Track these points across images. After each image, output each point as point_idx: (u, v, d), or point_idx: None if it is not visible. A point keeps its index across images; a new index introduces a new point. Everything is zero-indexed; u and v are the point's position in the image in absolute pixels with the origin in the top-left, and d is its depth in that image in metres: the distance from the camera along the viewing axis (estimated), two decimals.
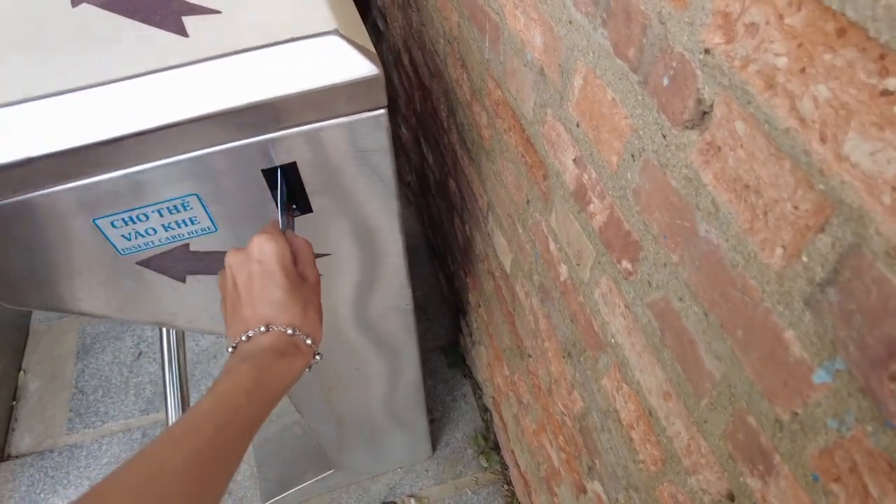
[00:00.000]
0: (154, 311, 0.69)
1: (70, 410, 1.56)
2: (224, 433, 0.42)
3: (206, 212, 0.59)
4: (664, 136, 0.42)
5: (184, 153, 0.53)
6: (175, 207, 0.57)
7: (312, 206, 0.63)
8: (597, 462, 0.75)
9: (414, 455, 1.41)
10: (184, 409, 0.88)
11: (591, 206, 0.57)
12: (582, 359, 0.70)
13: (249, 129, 0.53)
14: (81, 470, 1.46)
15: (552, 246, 0.71)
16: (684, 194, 0.42)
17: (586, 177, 0.57)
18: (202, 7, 0.56)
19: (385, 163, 0.62)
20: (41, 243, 0.56)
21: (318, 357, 0.51)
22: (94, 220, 0.56)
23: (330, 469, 1.31)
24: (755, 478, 0.42)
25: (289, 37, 0.52)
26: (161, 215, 0.58)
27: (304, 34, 0.52)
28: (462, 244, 1.26)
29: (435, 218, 1.54)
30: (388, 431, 1.25)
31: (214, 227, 0.61)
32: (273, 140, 0.55)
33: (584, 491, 0.84)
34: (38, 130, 0.48)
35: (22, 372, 1.63)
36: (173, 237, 0.60)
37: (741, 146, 0.35)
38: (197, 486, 0.39)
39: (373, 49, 0.54)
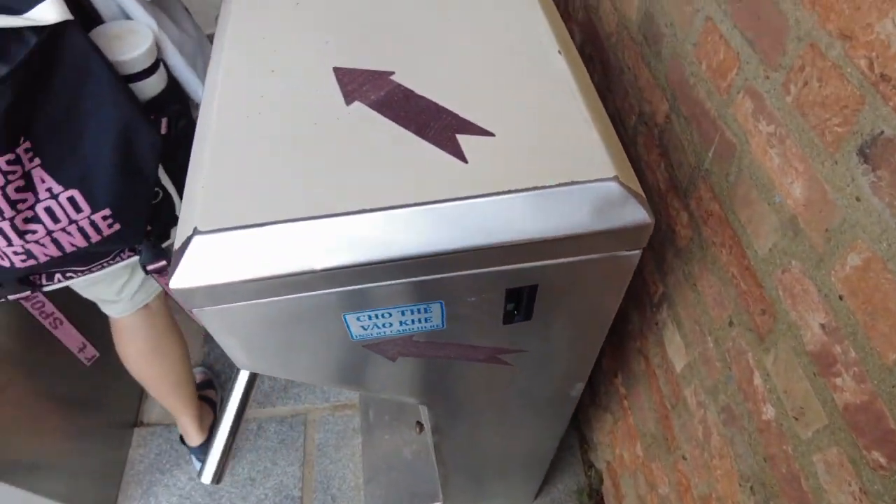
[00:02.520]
0: (356, 379, 0.73)
1: None
2: None
3: (443, 315, 0.61)
4: None
5: (447, 272, 0.55)
6: (418, 310, 0.60)
7: (533, 316, 0.64)
8: None
9: (516, 498, 1.43)
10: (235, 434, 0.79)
11: (839, 380, 0.55)
12: (772, 503, 0.68)
13: (515, 258, 0.54)
14: None
15: (758, 382, 0.69)
16: None
17: (838, 350, 0.55)
18: (475, 126, 0.57)
19: (618, 291, 0.62)
20: (293, 328, 0.59)
21: None
22: (343, 315, 0.59)
23: (437, 501, 1.34)
24: None
25: (569, 179, 0.52)
26: (402, 314, 0.60)
27: (585, 178, 0.52)
28: None
29: None
30: (505, 475, 1.27)
31: (443, 325, 0.63)
32: (528, 268, 0.56)
33: None
34: (328, 244, 0.51)
35: None
36: (404, 330, 0.63)
37: None
38: None
39: (643, 194, 0.54)
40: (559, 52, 0.64)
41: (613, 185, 0.52)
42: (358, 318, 0.59)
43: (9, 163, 0.62)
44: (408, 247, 0.51)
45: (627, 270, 0.59)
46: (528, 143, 0.55)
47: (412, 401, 0.81)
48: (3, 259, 0.69)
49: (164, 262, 0.81)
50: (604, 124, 0.58)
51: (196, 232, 0.51)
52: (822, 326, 0.57)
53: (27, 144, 0.63)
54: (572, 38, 1.33)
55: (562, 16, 1.40)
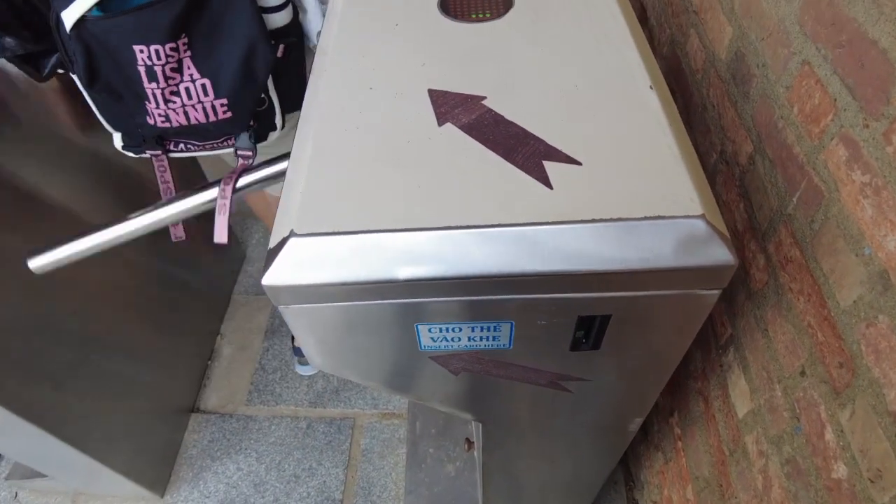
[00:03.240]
0: (417, 389, 0.75)
1: (251, 383, 1.73)
2: None
3: (511, 335, 0.62)
4: None
5: (523, 294, 0.56)
6: (488, 328, 0.61)
7: (601, 346, 0.64)
8: None
9: None
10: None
11: None
12: None
13: (592, 286, 0.55)
14: (252, 442, 1.62)
15: (829, 437, 0.67)
16: None
17: None
18: (562, 153, 0.58)
19: (691, 330, 0.61)
20: (366, 333, 0.62)
21: None
22: (416, 325, 0.61)
23: None
24: None
25: (655, 213, 0.52)
26: (472, 331, 0.62)
27: (671, 214, 0.52)
28: None
29: None
30: (546, 502, 1.25)
31: (510, 345, 0.64)
32: (604, 298, 0.56)
33: None
34: (411, 256, 0.53)
35: (220, 336, 1.83)
36: (471, 346, 0.64)
37: None
38: None
39: (728, 234, 0.54)
40: (651, 87, 0.65)
41: (699, 223, 0.52)
42: (429, 330, 0.61)
43: (171, 49, 0.86)
44: (487, 266, 0.53)
45: (703, 310, 0.58)
46: (615, 174, 0.56)
47: (467, 416, 0.82)
48: (150, 117, 0.94)
49: (251, 152, 1.04)
50: (692, 161, 0.58)
51: (292, 234, 0.54)
52: None
53: (185, 39, 0.87)
54: None
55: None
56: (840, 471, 0.65)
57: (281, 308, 0.58)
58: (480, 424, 0.84)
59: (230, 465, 1.58)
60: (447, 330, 0.61)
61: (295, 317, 0.59)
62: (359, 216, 0.55)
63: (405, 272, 0.54)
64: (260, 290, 1.95)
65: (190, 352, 1.73)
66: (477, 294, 0.56)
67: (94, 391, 1.33)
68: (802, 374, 0.72)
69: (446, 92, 0.66)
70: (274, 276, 0.54)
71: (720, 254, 0.52)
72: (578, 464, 1.00)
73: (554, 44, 0.72)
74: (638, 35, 0.73)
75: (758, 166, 0.83)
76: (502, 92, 0.66)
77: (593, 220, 0.53)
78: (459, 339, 0.63)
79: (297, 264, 0.54)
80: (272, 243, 0.56)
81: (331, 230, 0.54)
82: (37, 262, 0.92)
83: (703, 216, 0.52)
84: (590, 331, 0.61)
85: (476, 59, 0.70)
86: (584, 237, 0.52)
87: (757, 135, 0.84)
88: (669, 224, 0.52)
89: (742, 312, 0.88)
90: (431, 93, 0.66)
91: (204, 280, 1.80)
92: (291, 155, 0.64)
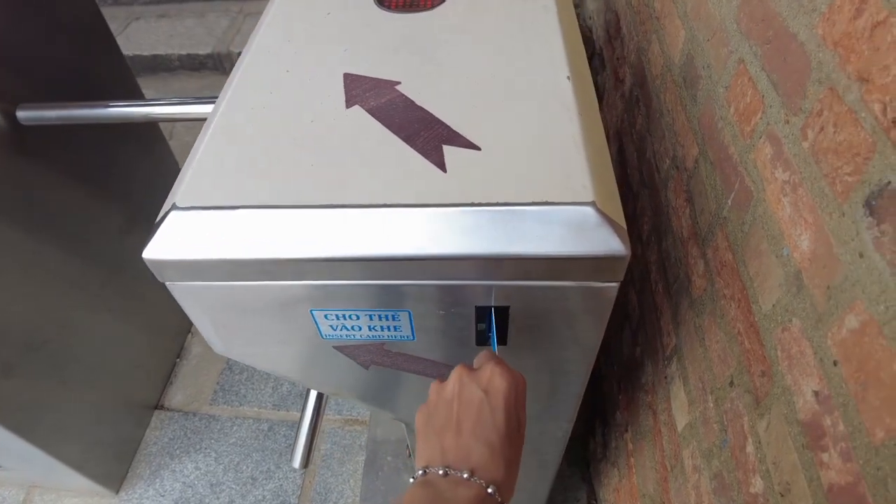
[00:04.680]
0: (330, 381, 0.72)
1: (217, 383, 1.71)
2: None
3: (411, 326, 0.60)
4: None
5: (414, 280, 0.54)
6: (385, 317, 0.59)
7: (507, 341, 0.62)
8: None
9: None
10: (318, 416, 0.87)
11: (825, 455, 0.50)
12: None
13: (482, 273, 0.53)
14: (213, 442, 1.59)
15: (750, 449, 0.63)
16: None
17: (828, 422, 0.49)
18: (463, 138, 0.57)
19: (597, 325, 0.59)
20: (263, 316, 0.60)
21: None
22: (311, 310, 0.58)
23: None
24: None
25: (544, 199, 0.50)
26: (370, 319, 0.59)
27: (560, 200, 0.50)
28: (626, 358, 1.19)
29: None
30: None
31: (413, 336, 0.61)
32: (498, 286, 0.54)
33: None
34: (298, 235, 0.52)
35: (191, 334, 1.82)
36: (374, 336, 0.62)
37: None
38: None
39: (624, 225, 0.51)
40: (568, 77, 0.63)
41: (589, 211, 0.50)
42: (326, 316, 0.59)
43: None
44: (372, 247, 0.51)
45: (604, 305, 0.56)
46: (513, 160, 0.54)
47: (389, 415, 0.79)
48: None
49: None
50: (597, 151, 0.56)
51: (174, 207, 0.53)
52: (815, 394, 0.52)
53: None
54: (623, 81, 1.31)
55: (616, 59, 1.38)
56: (757, 485, 0.61)
57: (168, 285, 0.57)
58: (405, 425, 0.82)
59: (188, 464, 1.55)
60: (345, 317, 0.59)
61: (181, 294, 0.57)
62: (246, 192, 0.53)
63: (287, 251, 0.52)
64: None
65: (160, 348, 1.71)
66: (367, 278, 0.54)
67: (49, 380, 1.31)
68: (731, 384, 0.69)
69: (361, 76, 0.65)
70: (154, 250, 0.53)
71: (610, 243, 0.50)
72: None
73: (482, 34, 0.70)
74: (570, 28, 0.72)
75: (701, 169, 0.81)
76: (418, 78, 0.64)
77: (480, 204, 0.50)
78: (360, 328, 0.61)
79: (178, 239, 0.53)
80: (158, 217, 0.54)
81: (213, 205, 0.53)
82: (25, 114, 1.03)
83: (593, 203, 0.50)
84: (490, 324, 0.58)
85: (400, 47, 0.69)
86: (471, 221, 0.50)
87: (702, 137, 0.81)
88: (557, 210, 0.50)
89: (684, 321, 0.85)
90: (346, 77, 0.65)
91: None
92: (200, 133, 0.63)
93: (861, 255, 0.46)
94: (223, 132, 0.60)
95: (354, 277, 0.54)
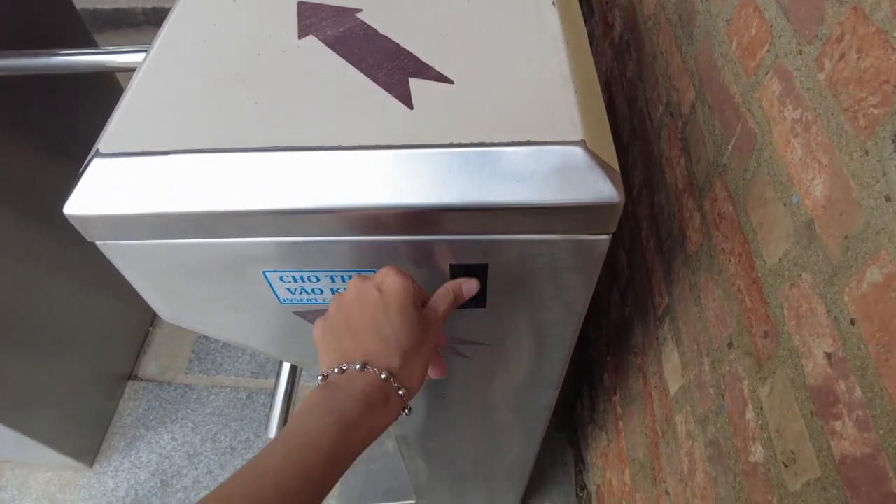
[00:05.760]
0: (295, 350, 0.66)
1: (192, 352, 1.65)
2: (290, 500, 0.37)
3: None
4: None
5: (378, 235, 0.47)
6: (350, 277, 0.52)
7: (487, 303, 0.56)
8: None
9: None
10: (293, 384, 0.84)
11: (839, 424, 0.45)
12: None
13: (452, 226, 0.46)
14: (189, 412, 1.54)
15: (749, 416, 0.58)
16: None
17: (843, 387, 0.44)
18: (433, 70, 0.49)
19: (586, 283, 0.53)
20: (211, 279, 0.53)
21: (406, 412, 0.46)
22: (263, 272, 0.52)
23: (411, 500, 1.27)
24: None
25: (525, 139, 0.43)
26: (332, 281, 0.53)
27: (544, 139, 0.43)
28: (614, 320, 1.14)
29: None
30: (482, 484, 1.18)
31: None
32: (473, 241, 0.47)
33: None
34: (243, 184, 0.45)
35: None
36: None
37: None
38: None
39: (618, 168, 0.45)
40: (553, 3, 0.55)
41: (577, 151, 0.43)
42: (282, 279, 0.52)
43: None
44: (326, 197, 0.44)
45: (594, 260, 0.50)
46: (490, 96, 0.47)
47: None
48: None
49: None
50: (586, 85, 0.49)
51: (97, 154, 0.45)
52: (828, 356, 0.46)
53: None
54: (612, 26, 1.23)
55: (606, 3, 1.29)
56: (757, 453, 0.57)
57: (99, 245, 0.50)
58: None
59: (164, 435, 1.51)
60: (303, 279, 0.53)
61: (114, 255, 0.50)
62: (181, 135, 0.46)
63: (229, 203, 0.45)
64: None
65: (131, 316, 1.64)
66: (327, 234, 0.48)
67: (12, 352, 1.24)
68: (730, 345, 0.64)
69: (318, 4, 0.57)
70: (76, 205, 0.46)
71: (601, 188, 0.43)
72: (501, 442, 0.92)
73: None
74: None
75: (698, 114, 0.74)
76: (383, 6, 0.56)
77: (451, 145, 0.43)
78: (322, 292, 0.54)
79: (103, 190, 0.45)
80: (82, 167, 0.47)
81: (142, 150, 0.45)
82: None
83: (582, 142, 0.43)
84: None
85: None
86: (440, 164, 0.43)
87: (699, 79, 0.74)
88: (541, 151, 0.43)
89: (678, 279, 0.79)
90: (301, 5, 0.57)
91: None
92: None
93: (888, 199, 0.40)
94: (157, 70, 0.52)
95: (312, 234, 0.47)
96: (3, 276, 1.21)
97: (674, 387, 0.80)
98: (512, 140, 0.43)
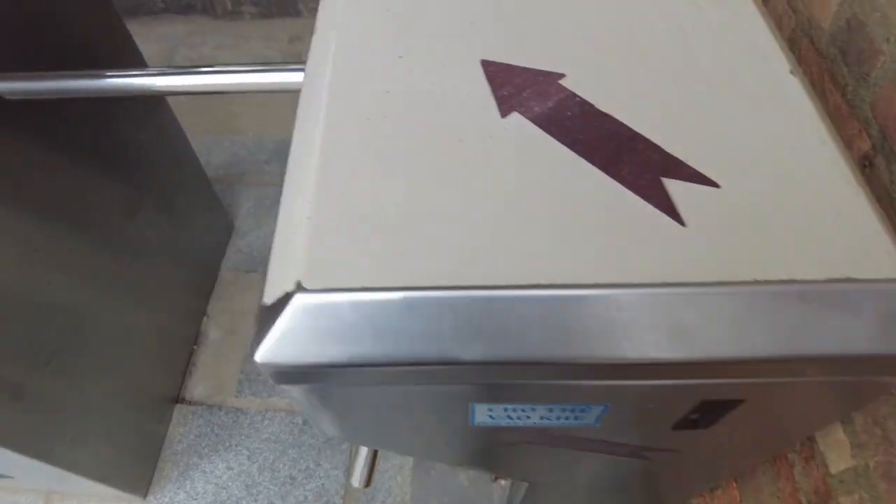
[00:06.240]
0: (452, 457, 0.59)
1: (241, 372, 1.57)
2: None
3: (601, 416, 0.45)
4: None
5: (634, 381, 0.39)
6: (571, 409, 0.44)
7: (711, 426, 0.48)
8: None
9: None
10: None
11: None
12: None
13: (739, 372, 0.38)
14: (243, 438, 1.47)
15: None
16: None
17: None
18: (690, 168, 0.40)
19: (833, 417, 0.45)
20: (401, 413, 0.45)
21: None
22: (472, 404, 0.44)
23: None
24: None
25: (844, 275, 0.35)
26: (550, 411, 0.45)
27: (866, 276, 0.35)
28: None
29: None
30: None
31: (597, 423, 0.47)
32: (748, 383, 0.39)
33: None
34: (471, 328, 0.36)
35: (206, 317, 1.66)
36: (543, 423, 0.48)
37: None
38: None
39: None
40: (791, 72, 0.46)
41: None
42: (489, 409, 0.44)
43: None
44: (583, 347, 0.36)
45: (874, 394, 0.42)
46: (768, 206, 0.38)
47: (505, 479, 0.66)
48: None
49: None
50: (867, 192, 0.40)
51: (300, 289, 0.36)
52: None
53: None
54: None
55: None
56: None
57: (283, 387, 0.41)
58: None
59: (219, 464, 1.44)
60: (514, 410, 0.45)
61: (303, 395, 0.42)
62: (398, 264, 0.37)
63: (464, 351, 0.36)
64: (250, 267, 1.77)
65: (172, 334, 1.55)
66: (566, 378, 0.39)
67: (62, 394, 1.16)
68: None
69: (508, 65, 0.47)
70: (273, 351, 0.37)
71: None
72: None
73: (654, 3, 0.52)
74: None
75: (878, 169, 0.66)
76: (586, 68, 0.47)
77: (756, 283, 0.35)
78: (528, 418, 0.46)
79: (306, 333, 0.37)
80: (268, 296, 0.38)
81: (359, 285, 0.36)
82: (6, 86, 0.84)
83: None
84: (708, 413, 0.45)
85: (546, 18, 0.51)
86: (741, 307, 0.35)
87: (879, 129, 0.66)
88: (864, 290, 0.35)
89: None
90: (487, 65, 0.47)
91: (187, 252, 1.61)
92: (290, 157, 0.45)
93: None
94: (339, 162, 0.42)
95: (548, 378, 0.39)
96: (54, 316, 1.12)
97: (838, 465, 0.73)
98: (827, 277, 0.35)
